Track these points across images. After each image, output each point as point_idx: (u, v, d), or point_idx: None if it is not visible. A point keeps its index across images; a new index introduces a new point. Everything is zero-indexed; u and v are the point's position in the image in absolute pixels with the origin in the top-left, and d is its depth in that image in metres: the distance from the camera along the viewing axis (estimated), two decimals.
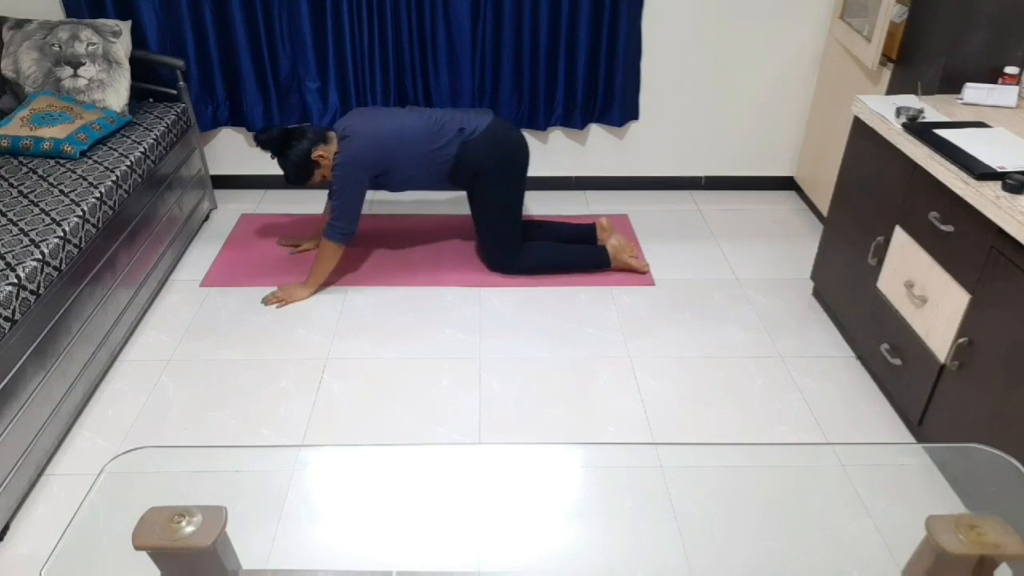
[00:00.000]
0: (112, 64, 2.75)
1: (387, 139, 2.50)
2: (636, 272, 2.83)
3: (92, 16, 2.92)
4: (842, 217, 2.41)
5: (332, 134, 2.55)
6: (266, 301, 2.63)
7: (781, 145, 3.39)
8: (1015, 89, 2.16)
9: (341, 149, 2.49)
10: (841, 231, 2.42)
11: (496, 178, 2.62)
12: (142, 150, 2.58)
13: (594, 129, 3.35)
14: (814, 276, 2.64)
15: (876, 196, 2.19)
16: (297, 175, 2.53)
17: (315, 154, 2.50)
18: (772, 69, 3.19)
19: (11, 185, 2.29)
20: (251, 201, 3.36)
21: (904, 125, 2.02)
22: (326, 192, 3.44)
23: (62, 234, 2.04)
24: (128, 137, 2.65)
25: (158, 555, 1.05)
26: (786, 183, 3.50)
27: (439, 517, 1.59)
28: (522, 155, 2.65)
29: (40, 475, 1.95)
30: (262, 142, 2.51)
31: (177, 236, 2.83)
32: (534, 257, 2.78)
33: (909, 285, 2.02)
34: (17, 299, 1.82)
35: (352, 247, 2.97)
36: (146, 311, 2.60)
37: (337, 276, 2.78)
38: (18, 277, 1.83)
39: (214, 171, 3.39)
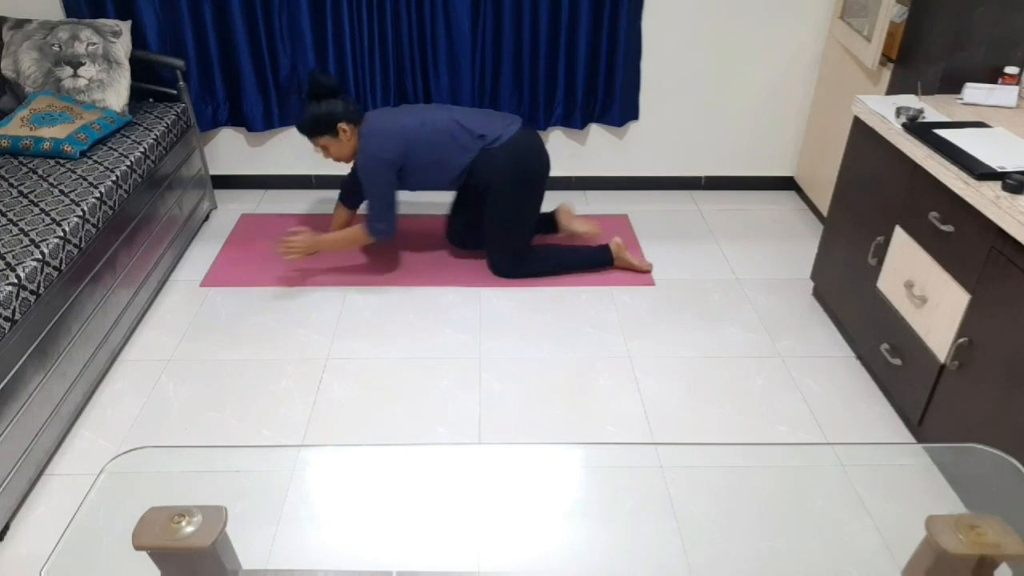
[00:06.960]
0: (112, 64, 2.75)
1: (409, 135, 2.50)
2: (637, 271, 2.83)
3: (92, 16, 2.92)
4: (842, 217, 2.41)
5: (362, 121, 2.55)
6: (281, 244, 2.63)
7: (781, 145, 3.39)
8: (1015, 89, 2.16)
9: (363, 146, 2.50)
10: (841, 231, 2.42)
11: (509, 193, 2.60)
12: (142, 150, 2.58)
13: (594, 129, 3.35)
14: (814, 276, 2.64)
15: (876, 196, 2.19)
16: (312, 126, 2.51)
17: (340, 124, 2.49)
18: (772, 69, 3.19)
19: (11, 185, 2.29)
20: (251, 201, 3.36)
21: (904, 125, 2.02)
22: (327, 192, 3.45)
23: (62, 234, 2.04)
24: (128, 137, 2.65)
25: (158, 555, 1.05)
26: (786, 183, 3.49)
27: (439, 517, 1.59)
28: (540, 172, 2.63)
29: (40, 475, 1.95)
30: (317, 81, 2.47)
31: (177, 236, 2.83)
32: (540, 262, 2.77)
33: (909, 285, 2.02)
34: (17, 299, 1.82)
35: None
36: (146, 311, 2.60)
37: (337, 276, 2.78)
38: (18, 277, 1.83)
39: (214, 171, 3.39)
